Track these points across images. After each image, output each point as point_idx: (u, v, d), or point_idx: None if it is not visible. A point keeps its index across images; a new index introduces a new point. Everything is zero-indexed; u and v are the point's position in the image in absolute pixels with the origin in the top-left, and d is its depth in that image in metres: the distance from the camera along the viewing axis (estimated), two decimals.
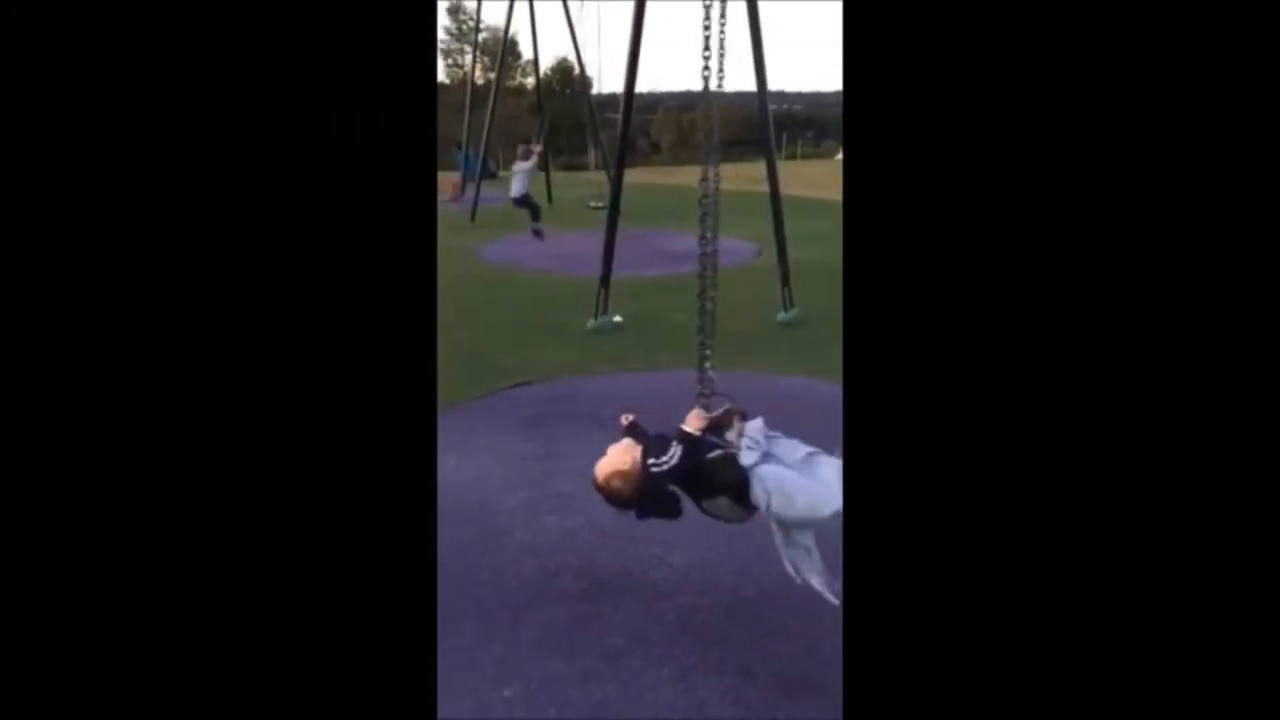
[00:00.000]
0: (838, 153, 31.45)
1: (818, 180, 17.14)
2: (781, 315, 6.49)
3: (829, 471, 2.12)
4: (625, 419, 2.36)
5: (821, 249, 8.69)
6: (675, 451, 2.10)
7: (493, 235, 11.79)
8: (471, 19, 25.32)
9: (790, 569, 2.18)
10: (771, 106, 6.44)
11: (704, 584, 2.87)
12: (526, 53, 28.30)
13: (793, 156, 31.26)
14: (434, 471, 1.03)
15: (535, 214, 11.15)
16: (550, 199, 15.36)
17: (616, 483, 2.14)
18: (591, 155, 18.51)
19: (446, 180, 15.40)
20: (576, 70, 16.47)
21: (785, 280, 6.51)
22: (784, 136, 31.53)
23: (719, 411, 2.30)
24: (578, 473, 3.92)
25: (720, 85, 2.64)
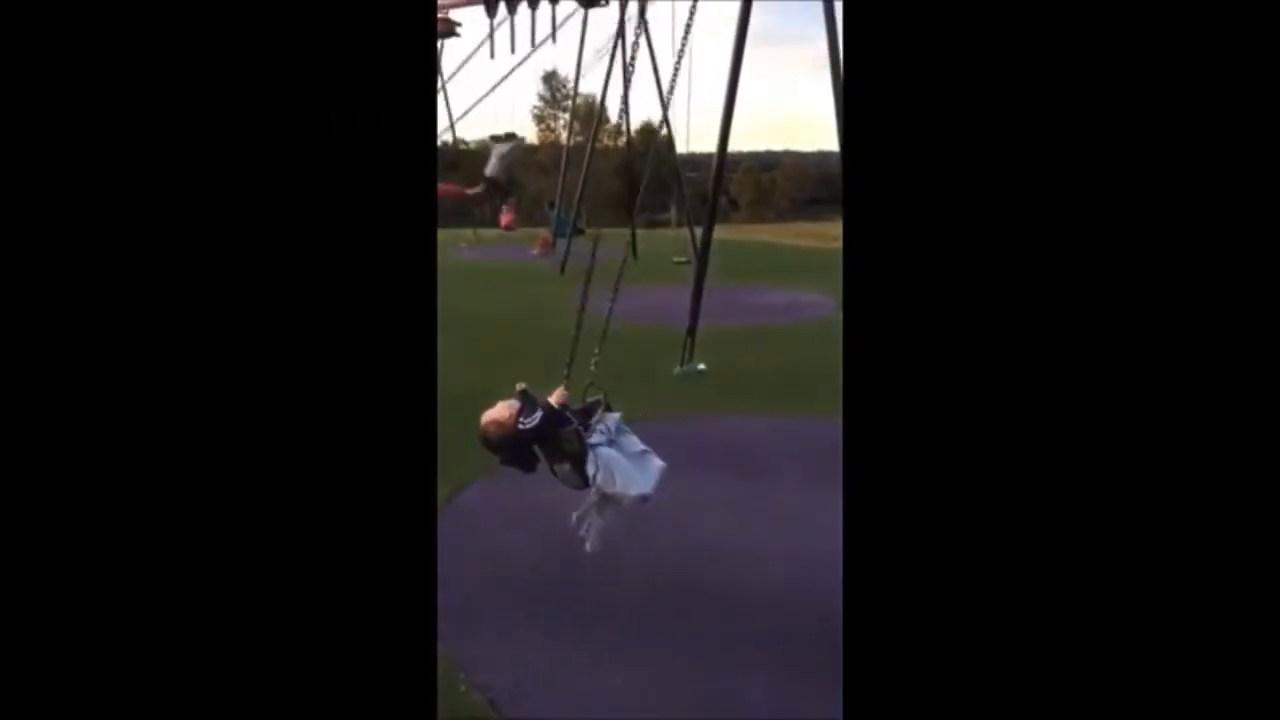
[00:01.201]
0: None
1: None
2: None
3: (651, 468, 2.76)
4: (519, 386, 2.87)
5: None
6: (537, 415, 2.62)
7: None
8: (565, 86, 26.86)
9: (575, 517, 2.69)
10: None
11: (798, 599, 3.21)
12: (612, 115, 29.66)
13: None
14: (434, 470, 1.05)
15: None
16: (635, 254, 16.07)
17: (492, 429, 2.65)
18: (673, 213, 19.21)
19: (540, 235, 16.40)
20: (664, 131, 17.33)
21: None
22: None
23: (591, 399, 2.89)
24: (670, 503, 4.30)
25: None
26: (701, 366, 6.89)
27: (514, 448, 2.69)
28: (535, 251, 15.60)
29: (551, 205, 17.45)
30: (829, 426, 5.44)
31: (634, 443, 2.83)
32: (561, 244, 14.83)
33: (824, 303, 9.98)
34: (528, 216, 20.30)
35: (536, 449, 2.73)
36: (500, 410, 2.71)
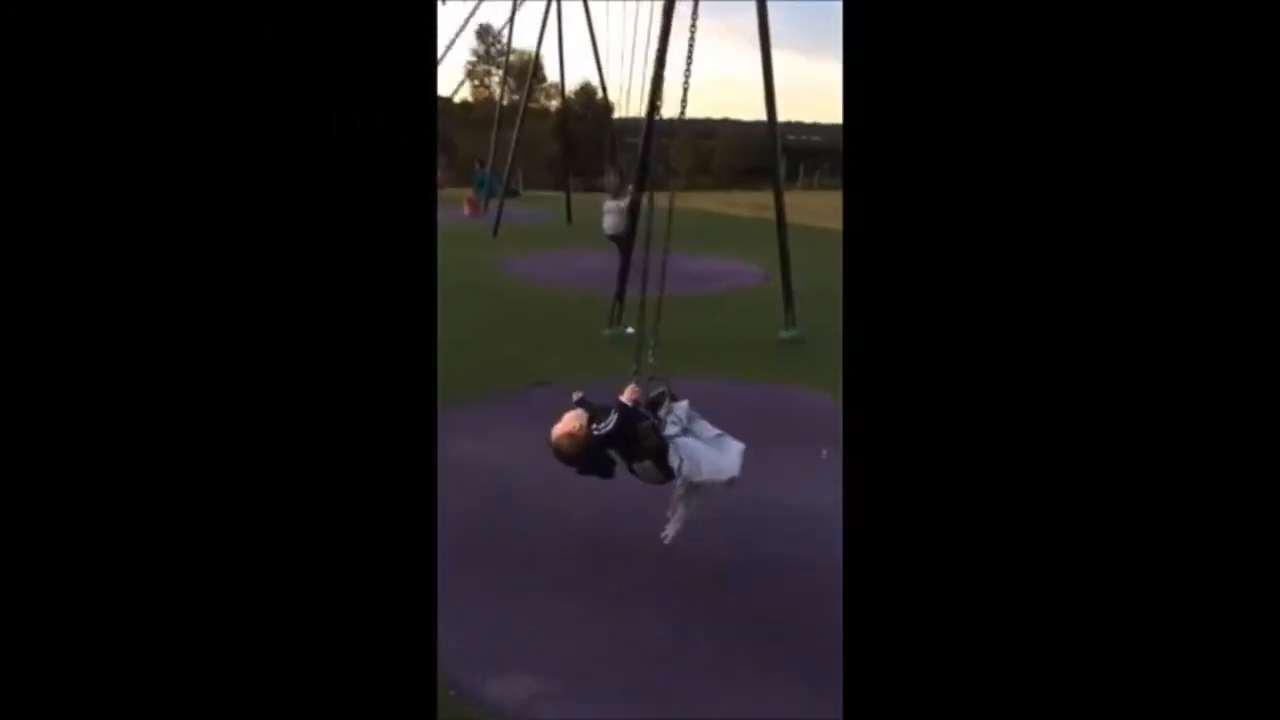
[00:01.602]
0: None
1: (823, 211, 17.62)
2: (784, 333, 6.95)
3: (732, 449, 2.74)
4: (576, 395, 2.86)
5: (819, 275, 9.16)
6: (612, 418, 2.60)
7: (514, 250, 12.35)
8: (499, 42, 26.15)
9: (669, 513, 2.71)
10: (790, 137, 6.97)
11: (698, 549, 3.32)
12: (552, 75, 29.06)
13: (809, 187, 31.72)
14: (433, 469, 1.06)
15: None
16: (570, 219, 15.93)
17: (565, 442, 2.66)
18: (610, 178, 19.08)
19: (464, 196, 16.04)
20: (600, 95, 17.07)
21: (788, 302, 6.98)
22: (800, 167, 32.08)
23: (656, 391, 2.84)
24: None
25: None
26: (630, 330, 6.92)
27: (590, 456, 2.62)
28: (466, 212, 15.27)
29: (481, 164, 17.04)
30: (754, 389, 5.60)
31: (707, 428, 2.78)
32: (494, 205, 14.57)
33: (754, 271, 10.13)
34: (462, 176, 19.80)
35: (612, 452, 2.66)
36: (569, 422, 2.65)
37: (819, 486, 3.98)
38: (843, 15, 1.04)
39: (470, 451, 4.28)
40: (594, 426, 2.59)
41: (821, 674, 2.57)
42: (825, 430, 4.70)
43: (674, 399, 2.78)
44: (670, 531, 2.69)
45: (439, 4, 10.37)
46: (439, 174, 13.05)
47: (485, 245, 12.60)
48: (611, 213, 9.67)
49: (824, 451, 4.24)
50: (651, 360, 3.14)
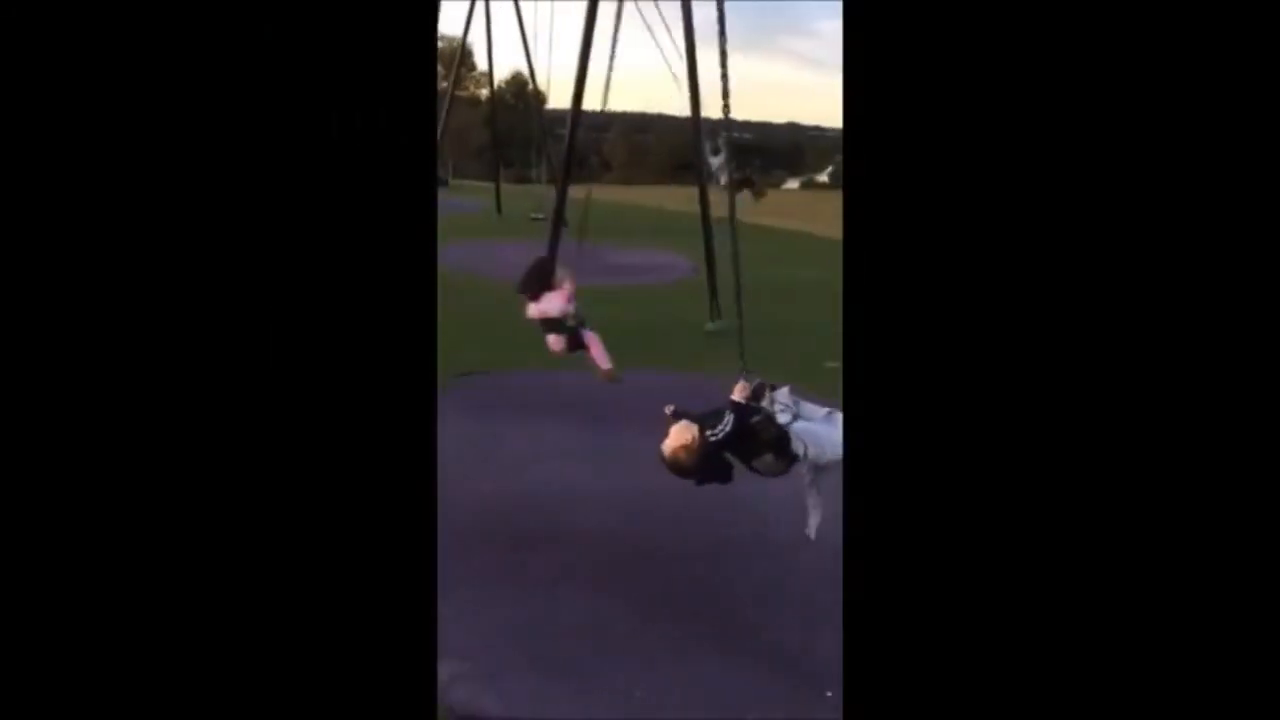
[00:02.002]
0: (783, 182, 32.54)
1: (758, 208, 17.94)
2: (710, 325, 7.08)
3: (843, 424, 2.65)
4: (669, 409, 2.77)
5: (749, 269, 9.33)
6: (728, 419, 2.51)
7: (441, 241, 12.13)
8: None
9: (810, 504, 2.62)
10: (724, 134, 7.09)
11: (620, 536, 3.37)
12: (481, 63, 28.62)
13: None
14: (434, 468, 1.06)
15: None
16: (499, 210, 15.76)
17: (683, 455, 2.50)
18: (542, 169, 18.96)
19: None
20: (530, 85, 16.91)
21: (714, 294, 7.11)
22: (732, 165, 32.40)
23: (753, 385, 2.76)
24: (515, 450, 4.39)
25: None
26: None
27: (709, 463, 2.51)
28: None
29: None
30: (679, 381, 5.69)
31: (815, 409, 2.68)
32: None
33: (682, 264, 10.25)
34: None
35: (727, 455, 2.56)
36: (681, 435, 2.52)
37: (740, 473, 4.08)
38: (843, 15, 1.07)
39: None
40: (708, 433, 2.52)
41: (737, 651, 2.66)
42: None
43: (773, 387, 2.69)
44: (813, 524, 2.57)
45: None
46: None
47: None
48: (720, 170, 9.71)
49: None
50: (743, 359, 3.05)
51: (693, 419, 2.59)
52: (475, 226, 13.44)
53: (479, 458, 4.23)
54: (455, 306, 7.83)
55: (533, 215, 13.79)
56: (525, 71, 17.23)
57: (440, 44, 20.69)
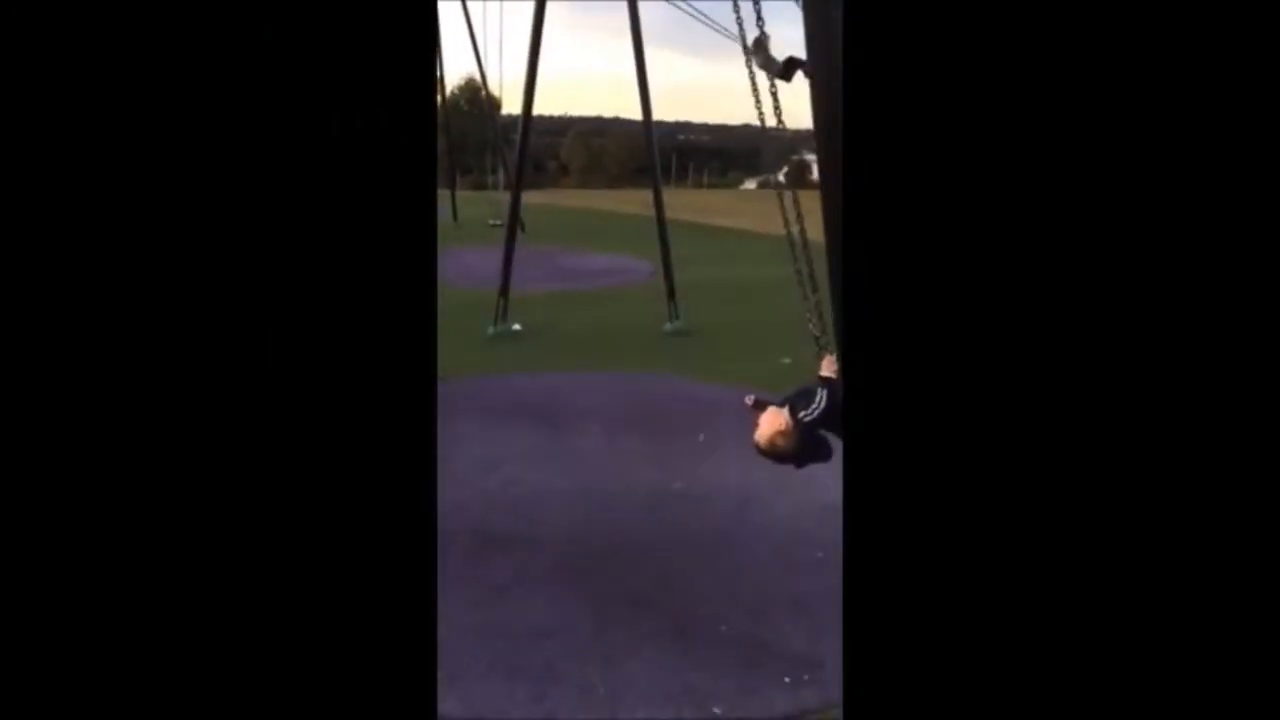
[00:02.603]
0: (741, 183, 32.89)
1: (715, 208, 18.14)
2: (667, 326, 7.14)
3: None
4: (749, 399, 2.73)
5: (706, 270, 9.47)
6: (822, 395, 2.39)
7: None
8: None
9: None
10: (681, 137, 7.15)
11: (579, 536, 3.39)
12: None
13: (698, 185, 32.46)
14: (434, 468, 1.08)
15: None
16: (455, 217, 15.66)
17: (780, 441, 2.37)
18: (499, 175, 18.87)
19: None
20: (483, 91, 16.84)
21: (671, 295, 7.18)
22: (690, 166, 32.81)
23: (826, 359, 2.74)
24: (474, 454, 4.38)
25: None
26: (516, 326, 6.92)
27: (807, 446, 2.41)
28: None
29: None
30: (636, 381, 5.74)
31: None
32: None
33: (642, 267, 10.31)
34: None
35: (823, 432, 2.54)
36: (774, 421, 2.40)
37: (699, 470, 4.14)
38: (843, 14, 1.09)
39: None
40: (801, 414, 2.50)
41: (697, 644, 2.70)
42: (703, 417, 4.90)
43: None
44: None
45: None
46: None
47: None
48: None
49: (701, 435, 4.41)
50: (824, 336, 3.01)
51: (778, 404, 2.65)
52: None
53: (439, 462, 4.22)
54: None
55: (491, 221, 13.73)
56: (478, 77, 17.14)
57: None
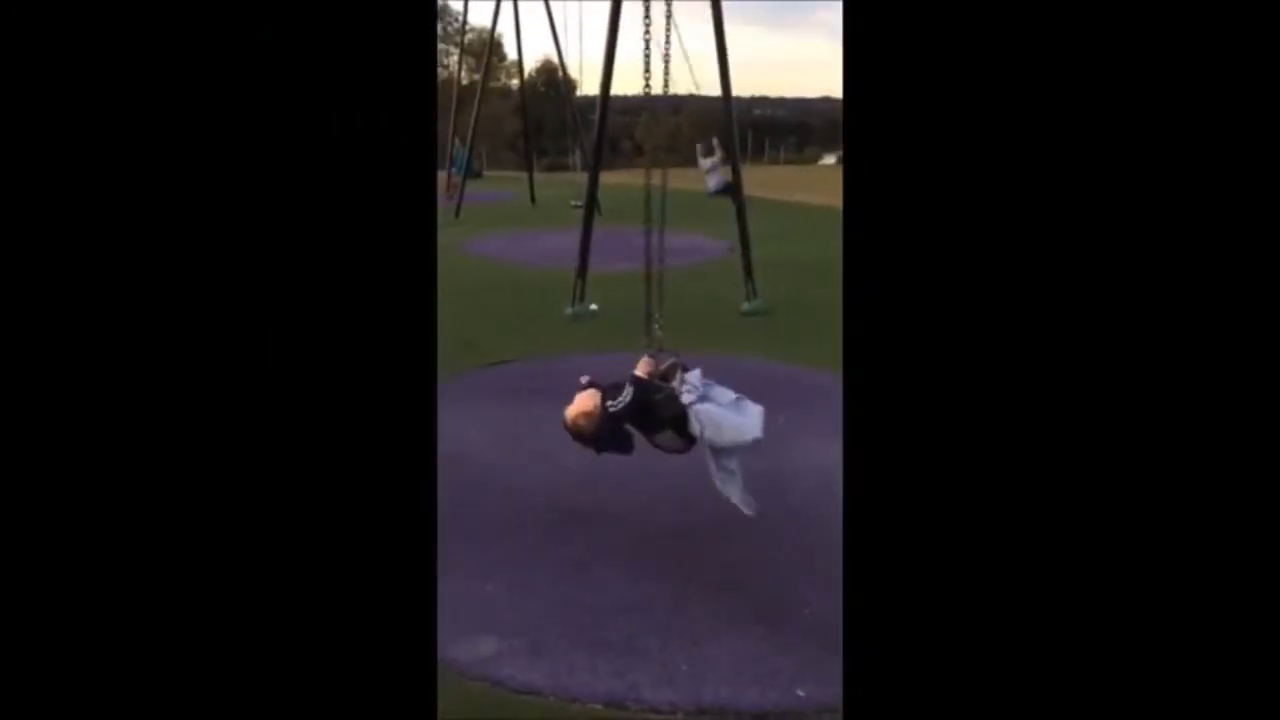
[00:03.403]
0: (820, 158, 32.04)
1: (793, 184, 17.73)
2: (745, 305, 7.04)
3: (752, 410, 2.78)
4: (583, 379, 2.91)
5: (786, 247, 9.26)
6: (628, 392, 2.66)
7: (477, 231, 12.28)
8: (456, 20, 25.71)
9: (718, 485, 2.74)
10: (756, 112, 7.04)
11: (658, 514, 3.40)
12: (512, 53, 28.68)
13: (775, 161, 31.80)
14: (434, 468, 1.07)
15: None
16: (533, 199, 15.84)
17: (582, 422, 2.69)
18: (576, 156, 18.96)
19: (440, 178, 15.83)
20: (560, 73, 16.89)
21: (749, 273, 7.06)
22: (766, 142, 32.14)
23: (666, 365, 2.88)
24: (550, 434, 4.45)
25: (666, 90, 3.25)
26: (594, 306, 6.95)
27: (608, 433, 2.61)
28: (446, 194, 15.08)
29: (462, 140, 16.62)
30: (714, 361, 5.68)
31: (726, 393, 2.79)
32: (456, 186, 14.42)
33: (716, 246, 10.19)
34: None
35: (629, 427, 2.66)
36: (584, 402, 2.64)
37: (776, 452, 4.08)
38: (843, 11, 1.06)
39: None
40: (608, 403, 2.62)
41: (779, 627, 2.67)
42: (782, 398, 4.81)
43: (685, 369, 2.81)
44: (737, 500, 2.67)
45: None
46: None
47: (447, 227, 12.51)
48: (712, 171, 9.90)
49: (780, 418, 4.33)
50: (659, 333, 3.19)
51: (613, 389, 2.67)
52: (511, 215, 13.54)
53: (515, 443, 4.29)
54: (494, 297, 7.95)
55: (573, 203, 13.83)
56: (555, 59, 17.20)
57: (469, 35, 20.81)
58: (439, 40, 33.73)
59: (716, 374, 5.35)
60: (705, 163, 10.34)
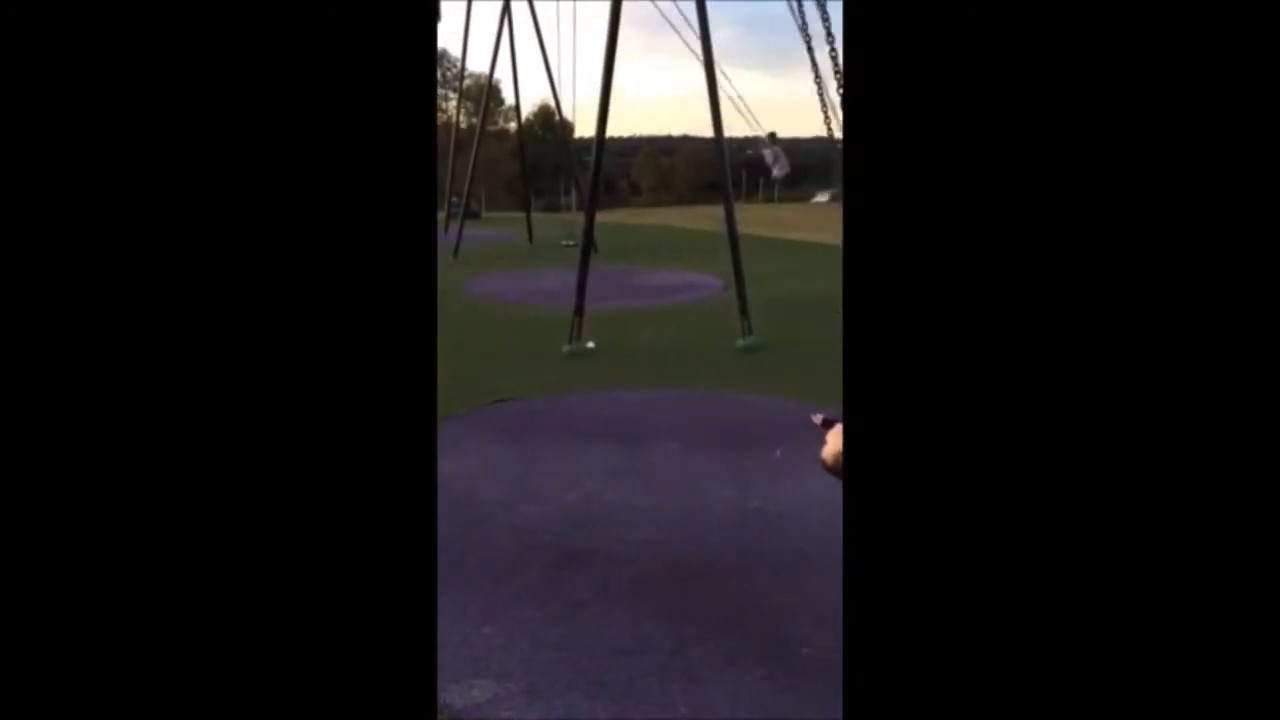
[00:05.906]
0: (813, 196, 32.48)
1: (787, 221, 17.97)
2: (740, 342, 7.08)
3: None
4: (816, 417, 2.76)
5: (779, 285, 9.36)
6: None
7: (475, 271, 12.40)
8: (455, 66, 26.24)
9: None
10: (749, 151, 7.19)
11: (658, 553, 3.39)
12: (509, 98, 29.24)
13: (768, 200, 32.22)
14: (434, 469, 1.08)
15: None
16: (531, 239, 16.03)
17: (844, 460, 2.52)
18: (573, 197, 19.21)
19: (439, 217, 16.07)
20: (556, 116, 17.21)
21: (744, 311, 7.12)
22: (760, 181, 32.66)
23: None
24: (553, 472, 4.45)
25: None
26: (591, 344, 7.00)
27: None
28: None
29: (457, 198, 16.91)
30: (710, 397, 5.72)
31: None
32: (454, 227, 14.59)
33: (712, 283, 10.29)
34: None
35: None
36: (837, 440, 2.55)
37: (777, 488, 4.08)
38: (843, 16, 1.10)
39: None
40: None
41: (780, 667, 2.65)
42: (778, 434, 4.83)
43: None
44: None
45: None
46: None
47: (446, 266, 12.63)
48: (777, 161, 10.16)
49: (778, 452, 4.34)
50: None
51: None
52: (509, 255, 13.68)
53: (514, 482, 4.29)
54: (493, 335, 8.00)
55: (564, 242, 14.01)
56: (551, 103, 17.54)
57: (468, 81, 21.24)
58: (438, 85, 34.41)
59: (715, 407, 5.38)
60: (768, 154, 10.52)
